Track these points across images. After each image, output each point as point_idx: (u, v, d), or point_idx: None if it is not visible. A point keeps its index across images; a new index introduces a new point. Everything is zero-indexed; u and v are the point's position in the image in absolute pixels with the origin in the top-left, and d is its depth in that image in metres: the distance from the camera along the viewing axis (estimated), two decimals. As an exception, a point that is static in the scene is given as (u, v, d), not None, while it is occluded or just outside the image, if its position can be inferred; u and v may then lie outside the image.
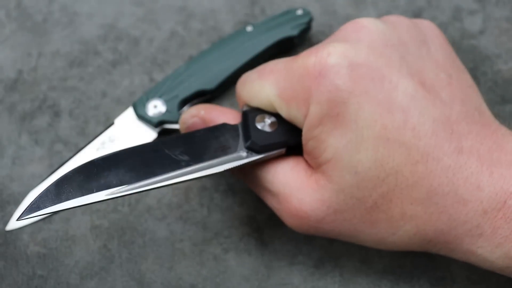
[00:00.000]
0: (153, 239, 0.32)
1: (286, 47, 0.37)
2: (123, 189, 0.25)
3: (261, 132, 0.28)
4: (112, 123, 0.35)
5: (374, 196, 0.25)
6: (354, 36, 0.26)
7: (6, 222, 0.33)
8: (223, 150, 0.27)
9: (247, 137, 0.28)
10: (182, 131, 0.31)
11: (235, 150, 0.27)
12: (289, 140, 0.28)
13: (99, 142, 0.34)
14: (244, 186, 0.34)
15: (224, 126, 0.28)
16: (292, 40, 0.37)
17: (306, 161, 0.28)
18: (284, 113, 0.27)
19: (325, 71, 0.25)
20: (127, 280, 0.31)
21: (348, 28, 0.27)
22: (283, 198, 0.27)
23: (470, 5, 0.39)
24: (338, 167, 0.25)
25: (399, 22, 0.28)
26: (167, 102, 0.34)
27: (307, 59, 0.25)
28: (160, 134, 0.35)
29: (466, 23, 0.39)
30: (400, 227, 0.25)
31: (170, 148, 0.27)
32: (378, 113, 0.24)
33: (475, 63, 0.37)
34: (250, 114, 0.28)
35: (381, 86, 0.24)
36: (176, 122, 0.34)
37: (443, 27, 0.39)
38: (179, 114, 0.34)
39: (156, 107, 0.34)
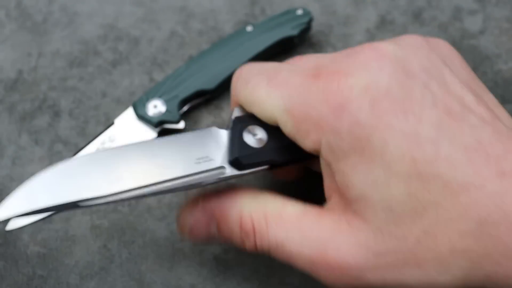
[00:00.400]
0: (153, 239, 0.32)
1: (286, 47, 0.37)
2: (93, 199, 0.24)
3: (248, 148, 0.26)
4: (112, 123, 0.35)
5: (415, 233, 0.23)
6: (375, 65, 0.24)
7: (6, 222, 0.33)
8: (206, 161, 0.26)
9: (232, 151, 0.26)
10: (183, 234, 0.28)
11: (217, 162, 0.26)
12: (275, 159, 0.26)
13: (99, 142, 0.34)
14: (243, 186, 0.34)
15: (210, 132, 0.27)
16: (292, 40, 0.37)
17: (315, 207, 0.26)
18: (288, 130, 0.25)
19: (347, 104, 0.23)
20: (127, 280, 0.31)
21: (368, 54, 0.25)
22: (316, 254, 0.24)
23: (470, 5, 0.39)
24: (369, 205, 0.23)
25: (418, 45, 0.26)
26: (167, 102, 0.34)
27: (328, 85, 0.24)
28: (160, 134, 0.35)
29: (466, 23, 0.39)
30: (452, 264, 0.23)
31: (146, 153, 0.25)
32: (406, 147, 0.23)
33: (475, 63, 0.37)
34: (240, 123, 0.27)
35: (405, 119, 0.23)
36: (176, 122, 0.34)
37: (443, 27, 0.39)
38: (179, 114, 0.34)
39: (156, 107, 0.34)
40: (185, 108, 0.35)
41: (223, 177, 0.26)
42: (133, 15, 0.39)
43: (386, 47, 0.25)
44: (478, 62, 0.37)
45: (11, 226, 0.32)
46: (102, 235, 0.32)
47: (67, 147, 0.35)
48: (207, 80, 0.35)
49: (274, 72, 0.26)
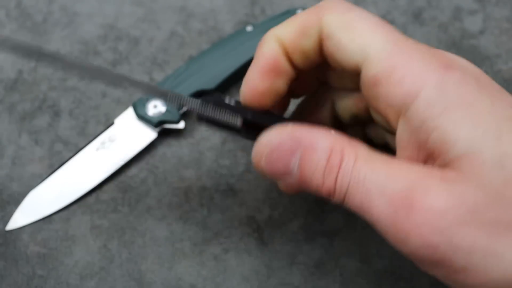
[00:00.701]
0: (153, 239, 0.32)
1: (286, 47, 0.37)
2: None
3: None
4: (112, 123, 0.35)
5: None
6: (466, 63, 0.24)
7: (6, 222, 0.33)
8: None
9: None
10: (259, 159, 0.25)
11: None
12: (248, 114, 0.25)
13: (99, 142, 0.34)
14: (243, 186, 0.34)
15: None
16: (292, 40, 0.37)
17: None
18: (375, 71, 0.23)
19: (455, 65, 0.23)
20: (127, 280, 0.31)
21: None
22: (400, 194, 0.21)
23: (470, 5, 0.39)
24: (476, 162, 0.21)
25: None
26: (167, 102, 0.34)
27: (436, 50, 0.23)
28: (160, 134, 0.35)
29: (466, 23, 0.39)
30: None
31: None
32: None
33: (475, 63, 0.37)
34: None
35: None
36: (176, 122, 0.34)
37: (443, 27, 0.39)
38: (179, 114, 0.34)
39: (156, 107, 0.34)
40: (185, 108, 0.35)
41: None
42: (133, 15, 0.39)
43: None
44: (478, 62, 0.37)
45: (11, 226, 0.32)
46: (102, 235, 0.32)
47: (67, 147, 0.35)
48: (207, 80, 0.35)
49: (380, 19, 0.25)
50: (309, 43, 0.25)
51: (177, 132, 0.35)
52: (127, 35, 0.39)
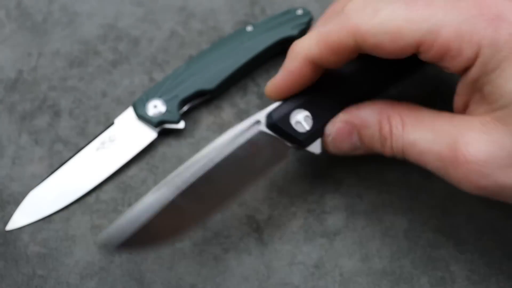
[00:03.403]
0: (153, 239, 0.32)
1: (286, 47, 0.37)
2: None
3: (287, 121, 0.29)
4: (112, 123, 0.35)
5: None
6: None
7: (6, 222, 0.33)
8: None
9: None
10: (328, 145, 0.30)
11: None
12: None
13: (99, 142, 0.34)
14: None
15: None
16: (292, 40, 0.37)
17: (448, 112, 0.26)
18: (433, 53, 0.25)
19: (504, 15, 0.24)
20: (127, 280, 0.31)
21: None
22: (446, 149, 0.25)
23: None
24: None
25: None
26: (167, 102, 0.34)
27: (481, 1, 0.24)
28: (160, 134, 0.35)
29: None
30: None
31: None
32: None
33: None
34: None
35: None
36: (176, 122, 0.34)
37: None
38: (179, 114, 0.34)
39: (156, 107, 0.34)
40: (185, 108, 0.35)
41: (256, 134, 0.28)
42: (133, 15, 0.39)
43: None
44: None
45: (11, 226, 0.32)
46: (102, 235, 0.32)
47: (67, 147, 0.35)
48: (207, 80, 0.35)
49: None
50: (343, 58, 0.27)
51: (177, 132, 0.35)
52: (127, 35, 0.39)
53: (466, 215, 0.32)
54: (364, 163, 0.34)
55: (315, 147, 0.29)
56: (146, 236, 0.26)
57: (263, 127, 0.28)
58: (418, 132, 0.26)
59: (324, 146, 0.30)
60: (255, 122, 0.29)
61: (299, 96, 0.29)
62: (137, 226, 0.26)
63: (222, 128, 0.35)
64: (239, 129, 0.28)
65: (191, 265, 0.32)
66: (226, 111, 0.36)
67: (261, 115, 0.29)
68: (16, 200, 0.33)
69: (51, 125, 0.36)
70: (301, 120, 0.29)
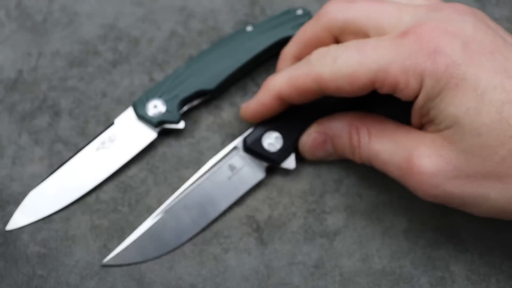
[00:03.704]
0: (153, 239, 0.32)
1: (286, 47, 0.37)
2: None
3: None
4: (112, 123, 0.35)
5: (501, 153, 0.26)
6: (459, 18, 0.28)
7: (6, 222, 0.33)
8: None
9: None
10: (305, 153, 0.33)
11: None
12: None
13: (99, 142, 0.34)
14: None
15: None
16: (292, 40, 0.37)
17: (408, 126, 0.30)
18: (385, 88, 0.28)
19: (441, 48, 0.27)
20: (127, 280, 0.31)
21: (449, 10, 0.28)
22: (403, 161, 0.28)
23: (470, 5, 0.39)
24: (459, 132, 0.26)
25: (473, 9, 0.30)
26: (167, 102, 0.34)
27: (420, 37, 0.27)
28: (160, 134, 0.35)
29: (466, 23, 0.39)
30: None
31: None
32: (498, 80, 0.26)
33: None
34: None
35: (493, 58, 0.26)
36: (176, 122, 0.34)
37: (443, 27, 0.39)
38: (179, 114, 0.34)
39: (156, 107, 0.34)
40: (185, 108, 0.35)
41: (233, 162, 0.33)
42: (133, 15, 0.39)
43: (463, 6, 0.29)
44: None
45: (11, 226, 0.32)
46: (102, 235, 0.32)
47: (67, 147, 0.35)
48: (207, 80, 0.35)
49: (360, 44, 0.29)
50: (308, 98, 0.31)
51: (177, 132, 0.35)
52: (127, 35, 0.39)
53: (466, 215, 0.32)
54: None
55: (289, 163, 0.33)
56: None
57: (240, 152, 0.33)
58: (381, 143, 0.30)
59: (301, 153, 0.33)
60: (233, 148, 0.33)
61: (269, 119, 0.33)
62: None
63: (222, 128, 0.35)
64: (220, 156, 0.33)
65: (191, 265, 0.32)
66: (226, 111, 0.36)
67: (238, 141, 0.33)
68: (16, 200, 0.33)
69: (51, 125, 0.36)
70: (272, 141, 0.33)
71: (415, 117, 0.29)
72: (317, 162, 0.34)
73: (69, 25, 0.39)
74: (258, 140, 0.33)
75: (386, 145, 0.29)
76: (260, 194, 0.33)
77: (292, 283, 0.31)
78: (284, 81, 0.31)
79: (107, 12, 0.40)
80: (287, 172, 0.34)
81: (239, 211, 0.33)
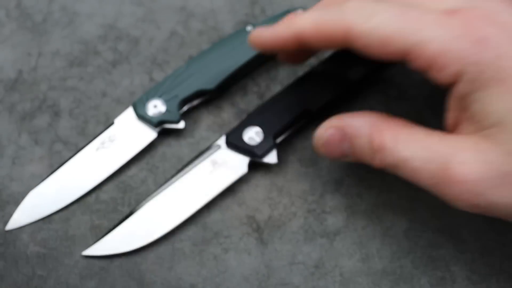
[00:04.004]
0: (153, 239, 0.32)
1: (286, 47, 0.37)
2: None
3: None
4: (112, 123, 0.35)
5: None
6: (508, 10, 0.26)
7: (5, 222, 0.33)
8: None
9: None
10: (319, 148, 0.30)
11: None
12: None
13: (99, 142, 0.34)
14: (243, 186, 0.34)
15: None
16: (292, 40, 0.37)
17: (440, 130, 0.27)
18: (419, 63, 0.26)
19: (489, 38, 0.25)
20: (127, 280, 0.31)
21: (498, 1, 0.27)
22: (440, 169, 0.25)
23: None
24: (505, 130, 0.24)
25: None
26: (167, 102, 0.34)
27: (468, 21, 0.25)
28: (160, 134, 0.35)
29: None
30: None
31: None
32: None
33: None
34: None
35: None
36: (176, 122, 0.34)
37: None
38: (179, 114, 0.34)
39: (156, 107, 0.34)
40: (185, 108, 0.35)
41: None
42: (133, 15, 0.39)
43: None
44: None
45: (11, 226, 0.32)
46: (102, 235, 0.32)
47: (67, 147, 0.35)
48: (207, 80, 0.35)
49: (404, 8, 0.27)
50: (330, 46, 0.28)
51: (177, 132, 0.35)
52: (127, 35, 0.39)
53: (466, 215, 0.32)
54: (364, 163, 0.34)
55: (271, 158, 0.33)
56: None
57: (223, 148, 0.33)
58: (412, 150, 0.27)
59: (314, 148, 0.31)
60: (216, 146, 0.33)
61: (250, 115, 0.34)
62: None
63: (222, 128, 0.35)
64: (204, 154, 0.33)
65: (191, 265, 0.32)
66: (226, 111, 0.36)
67: (221, 141, 0.34)
68: (16, 200, 0.33)
69: (51, 125, 0.36)
70: (253, 135, 0.33)
71: (452, 110, 0.27)
72: (317, 162, 0.34)
73: (69, 25, 0.39)
74: (239, 134, 0.33)
75: (417, 151, 0.26)
76: (260, 194, 0.33)
77: (292, 283, 0.31)
78: (309, 22, 0.28)
79: (107, 12, 0.40)
80: (287, 172, 0.34)
81: (239, 211, 0.33)
